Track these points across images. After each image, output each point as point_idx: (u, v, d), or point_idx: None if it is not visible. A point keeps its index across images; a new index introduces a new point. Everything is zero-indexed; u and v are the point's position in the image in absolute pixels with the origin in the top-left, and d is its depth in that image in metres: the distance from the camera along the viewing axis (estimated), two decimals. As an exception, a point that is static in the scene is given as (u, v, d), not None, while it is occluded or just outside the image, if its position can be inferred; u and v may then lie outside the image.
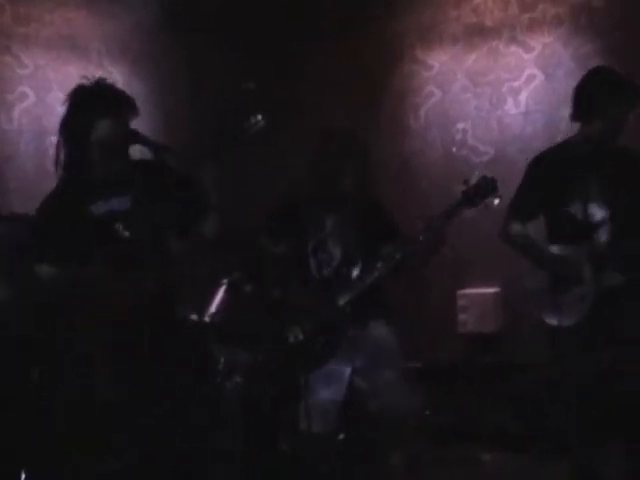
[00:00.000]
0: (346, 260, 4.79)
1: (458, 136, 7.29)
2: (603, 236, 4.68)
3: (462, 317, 7.06)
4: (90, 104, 3.97)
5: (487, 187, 4.61)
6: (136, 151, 4.09)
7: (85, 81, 4.03)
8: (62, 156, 4.07)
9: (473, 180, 4.66)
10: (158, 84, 6.99)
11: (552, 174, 4.75)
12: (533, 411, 6.18)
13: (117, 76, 6.76)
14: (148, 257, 3.87)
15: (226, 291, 5.75)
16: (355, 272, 4.80)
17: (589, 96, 4.66)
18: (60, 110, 6.38)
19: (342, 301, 4.67)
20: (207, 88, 7.12)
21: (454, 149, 7.27)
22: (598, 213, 4.67)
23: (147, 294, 3.87)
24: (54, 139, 6.29)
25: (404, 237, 4.74)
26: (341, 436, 4.97)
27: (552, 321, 4.70)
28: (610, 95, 4.59)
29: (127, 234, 3.93)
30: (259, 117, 4.07)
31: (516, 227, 4.89)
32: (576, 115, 4.76)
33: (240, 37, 7.45)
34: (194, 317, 5.40)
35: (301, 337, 4.68)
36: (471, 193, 4.62)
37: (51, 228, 4.00)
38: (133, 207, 3.99)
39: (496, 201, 4.60)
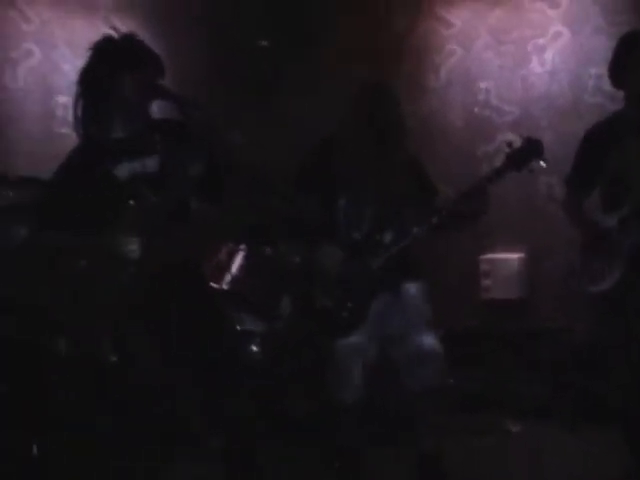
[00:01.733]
0: (379, 221, 4.55)
1: (481, 96, 7.03)
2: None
3: (485, 283, 6.84)
4: (115, 56, 3.74)
5: (532, 150, 4.42)
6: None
7: (112, 32, 3.79)
8: (79, 111, 3.78)
9: (517, 142, 4.47)
10: (169, 41, 6.67)
11: (598, 145, 4.64)
12: (559, 379, 6.02)
13: (125, 31, 6.52)
14: (175, 221, 3.64)
15: (245, 256, 5.53)
16: (388, 236, 4.56)
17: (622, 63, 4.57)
18: (67, 68, 6.25)
19: (374, 266, 4.45)
20: (222, 44, 6.86)
21: (476, 109, 7.02)
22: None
23: (173, 259, 3.66)
24: (60, 99, 6.26)
25: (442, 201, 4.52)
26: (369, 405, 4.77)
27: (585, 288, 4.62)
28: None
29: (154, 198, 3.68)
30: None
31: (571, 200, 4.85)
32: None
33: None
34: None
35: (329, 304, 4.46)
36: (515, 156, 4.41)
37: (70, 192, 3.73)
38: (159, 169, 3.75)
39: (542, 164, 4.39)
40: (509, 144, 4.43)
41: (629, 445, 4.46)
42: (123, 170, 3.73)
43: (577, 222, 4.80)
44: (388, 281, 4.50)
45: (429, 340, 4.52)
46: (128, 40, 3.81)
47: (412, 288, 4.60)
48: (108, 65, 3.72)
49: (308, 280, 4.54)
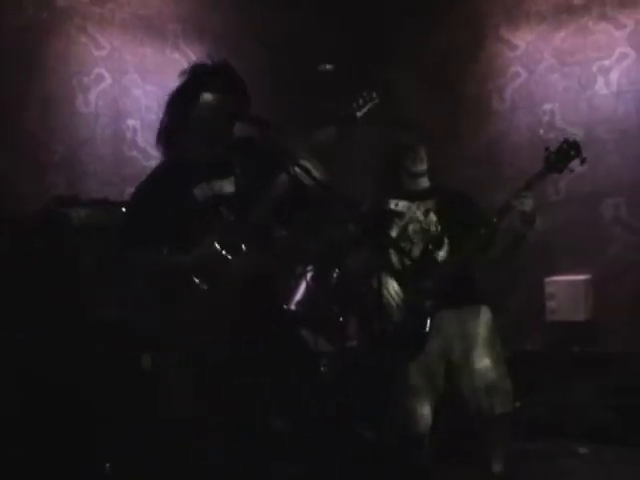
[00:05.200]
0: (430, 244, 4.62)
1: (545, 118, 7.02)
2: None
3: (550, 305, 6.81)
4: (201, 80, 3.86)
5: (569, 150, 4.54)
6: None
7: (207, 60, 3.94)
8: (164, 129, 3.92)
9: (554, 146, 4.60)
10: (236, 66, 6.79)
11: None
12: (626, 401, 5.96)
13: (193, 57, 6.59)
14: (253, 242, 3.71)
15: (312, 278, 5.58)
16: (441, 254, 4.62)
17: None
18: (136, 93, 6.36)
19: (430, 284, 4.49)
20: (288, 68, 6.94)
21: (541, 131, 7.00)
22: None
23: (251, 279, 3.71)
24: (130, 122, 6.37)
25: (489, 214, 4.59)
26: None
27: None
28: None
29: (232, 218, 3.75)
30: (373, 94, 3.91)
31: None
32: None
33: (321, 16, 7.26)
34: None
35: (390, 327, 4.50)
36: (553, 158, 4.50)
37: (151, 211, 3.81)
38: (237, 190, 3.83)
39: (580, 164, 4.54)
40: (547, 148, 4.55)
41: None
42: (202, 191, 3.82)
43: None
44: (448, 303, 4.54)
45: (490, 367, 4.57)
46: (220, 67, 3.92)
47: (474, 310, 4.65)
48: (198, 88, 3.84)
49: (371, 304, 4.61)
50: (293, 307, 5.49)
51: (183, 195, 3.79)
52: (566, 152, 4.53)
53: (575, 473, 5.35)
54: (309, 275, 5.57)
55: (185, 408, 3.67)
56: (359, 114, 3.93)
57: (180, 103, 3.88)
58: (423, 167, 4.83)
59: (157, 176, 3.93)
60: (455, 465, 5.16)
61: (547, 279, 6.85)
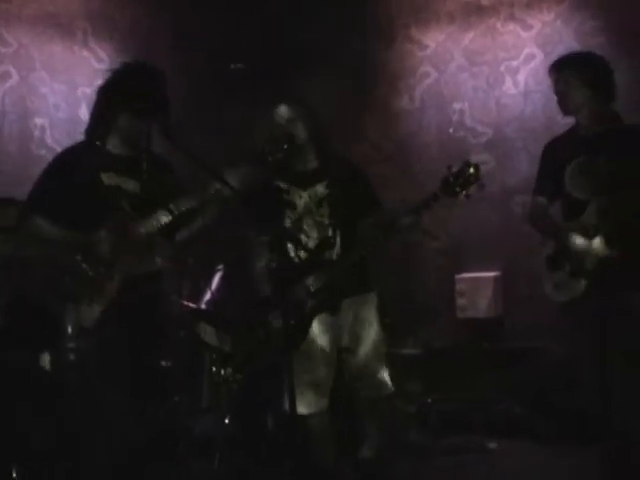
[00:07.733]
0: (323, 240, 4.59)
1: (455, 117, 7.10)
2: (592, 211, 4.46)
3: (461, 302, 6.88)
4: (131, 92, 3.94)
5: (469, 175, 4.23)
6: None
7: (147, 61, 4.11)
8: (92, 113, 4.12)
9: (456, 167, 4.28)
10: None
11: (556, 157, 4.65)
12: (537, 396, 6.04)
13: (102, 55, 6.58)
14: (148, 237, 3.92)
15: (222, 277, 5.57)
16: (334, 253, 4.58)
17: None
18: (44, 90, 6.27)
19: (318, 284, 4.47)
20: (197, 65, 6.92)
21: (451, 130, 7.08)
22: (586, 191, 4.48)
23: (143, 272, 3.92)
24: (38, 121, 6.28)
25: (384, 220, 4.52)
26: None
27: (553, 298, 4.58)
28: None
29: (132, 213, 3.94)
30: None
31: (538, 207, 4.79)
32: None
33: (234, 15, 7.25)
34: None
35: (274, 321, 4.46)
36: (451, 181, 4.24)
37: (59, 184, 3.98)
38: (142, 193, 3.99)
39: (477, 190, 4.26)
40: (448, 167, 4.27)
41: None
42: (110, 178, 3.97)
43: (543, 229, 4.78)
44: (336, 294, 4.53)
45: (373, 353, 4.60)
46: (149, 79, 4.01)
47: (361, 298, 4.66)
48: (121, 96, 3.97)
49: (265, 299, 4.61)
50: (203, 305, 5.48)
51: (91, 176, 3.94)
52: (465, 177, 4.22)
53: (484, 467, 5.41)
54: (219, 274, 5.58)
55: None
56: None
57: (112, 99, 4.00)
58: (300, 145, 4.59)
59: (73, 153, 4.10)
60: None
61: (457, 276, 6.94)
